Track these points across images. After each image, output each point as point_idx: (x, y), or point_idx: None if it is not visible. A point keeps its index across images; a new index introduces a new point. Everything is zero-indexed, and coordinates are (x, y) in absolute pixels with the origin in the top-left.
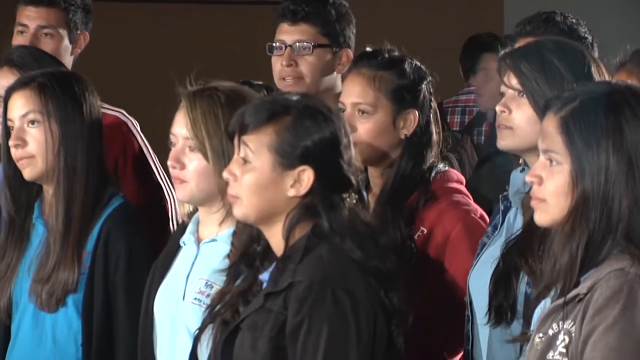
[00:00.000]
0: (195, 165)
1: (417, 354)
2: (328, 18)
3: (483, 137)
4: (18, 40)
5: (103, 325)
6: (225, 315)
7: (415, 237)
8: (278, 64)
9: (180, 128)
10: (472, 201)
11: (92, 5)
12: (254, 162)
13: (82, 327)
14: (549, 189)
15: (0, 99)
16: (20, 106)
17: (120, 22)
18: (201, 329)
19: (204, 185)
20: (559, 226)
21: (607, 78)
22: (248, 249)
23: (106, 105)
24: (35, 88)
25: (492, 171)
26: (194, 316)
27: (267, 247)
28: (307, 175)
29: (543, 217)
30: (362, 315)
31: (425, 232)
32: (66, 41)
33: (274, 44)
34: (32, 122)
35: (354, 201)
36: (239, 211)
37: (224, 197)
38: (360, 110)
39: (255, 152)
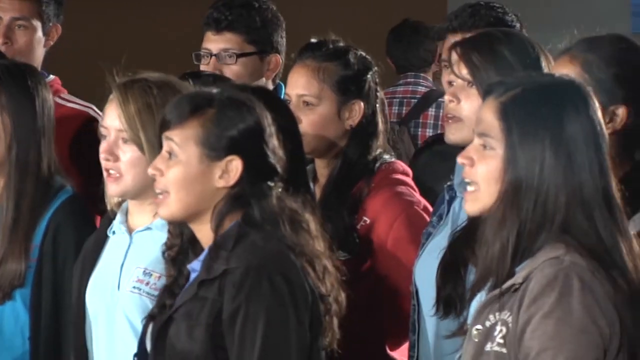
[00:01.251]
0: (129, 157)
1: (357, 342)
2: (253, 25)
3: (420, 130)
4: None
5: (51, 318)
6: (153, 310)
7: (358, 227)
8: None
9: (113, 120)
10: (416, 193)
11: None
12: (181, 156)
13: (30, 320)
14: (479, 172)
15: None
16: None
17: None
18: (148, 320)
19: (139, 177)
20: (489, 213)
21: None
22: (174, 246)
23: (78, 101)
24: None
25: (430, 160)
26: (134, 305)
27: (193, 240)
28: (235, 165)
29: (473, 206)
30: (299, 300)
31: (368, 222)
32: (39, 33)
33: (201, 53)
34: None
35: (280, 189)
36: (165, 211)
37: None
38: (305, 102)
39: (182, 146)
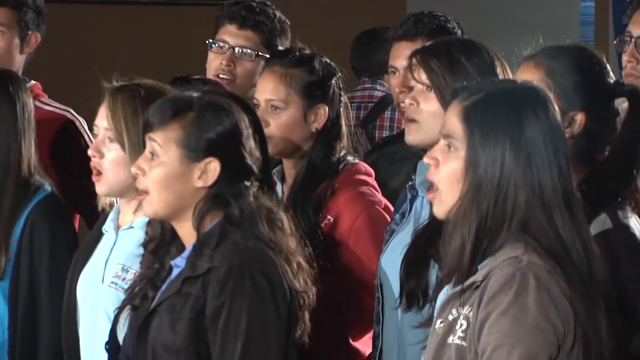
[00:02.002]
0: (113, 156)
1: (323, 334)
2: (273, 31)
3: (376, 132)
4: None
5: (27, 309)
6: (135, 301)
7: (323, 224)
8: (217, 61)
9: (102, 120)
10: (378, 193)
11: (44, 8)
12: (162, 157)
13: (8, 311)
14: (442, 172)
15: None
16: None
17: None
18: (119, 311)
19: (121, 175)
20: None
21: (510, 76)
22: (158, 237)
23: (56, 104)
24: None
25: (379, 161)
26: (110, 299)
27: (174, 236)
28: (213, 166)
29: (439, 209)
30: (279, 296)
31: (331, 220)
32: (16, 40)
33: (217, 43)
34: None
35: (256, 188)
36: (148, 209)
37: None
38: (273, 106)
39: (163, 147)
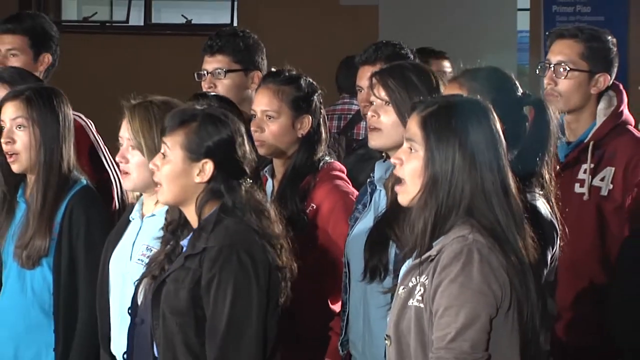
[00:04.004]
0: (136, 160)
1: (307, 299)
2: (237, 48)
3: (354, 137)
4: None
5: (68, 279)
6: (154, 271)
7: (308, 211)
8: (205, 87)
9: (124, 132)
10: (350, 185)
11: (54, 34)
12: (170, 157)
13: (52, 280)
14: (406, 169)
15: None
16: (11, 112)
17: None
18: (139, 281)
19: (143, 175)
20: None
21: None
22: (170, 222)
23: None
24: (24, 100)
25: (354, 161)
26: (138, 273)
27: (186, 220)
28: (208, 166)
29: (404, 198)
30: (260, 271)
31: (314, 207)
32: (31, 62)
33: (201, 72)
34: (20, 126)
35: (248, 185)
36: (161, 197)
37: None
38: (268, 116)
39: (171, 149)
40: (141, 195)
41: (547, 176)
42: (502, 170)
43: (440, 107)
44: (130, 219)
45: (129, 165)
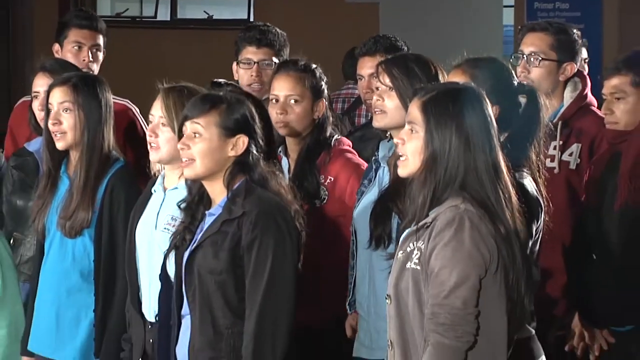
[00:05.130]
0: (166, 136)
1: (326, 259)
2: (279, 45)
3: (356, 119)
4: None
5: (108, 248)
6: (177, 242)
7: (326, 183)
8: (247, 75)
9: (157, 110)
10: (358, 157)
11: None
12: (205, 135)
13: (94, 248)
14: (408, 148)
15: (37, 94)
16: (59, 97)
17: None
18: (168, 251)
19: (170, 149)
20: (415, 177)
21: (446, 79)
22: (194, 195)
23: (117, 98)
24: (70, 86)
25: (353, 141)
26: (164, 240)
27: (203, 196)
28: (242, 141)
29: (403, 171)
30: (293, 234)
31: (332, 180)
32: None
33: (243, 61)
34: (66, 109)
35: (261, 158)
36: (191, 172)
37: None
38: (293, 100)
39: (206, 128)
40: (163, 169)
41: (534, 158)
42: (494, 151)
43: (439, 93)
44: (153, 191)
45: (159, 139)
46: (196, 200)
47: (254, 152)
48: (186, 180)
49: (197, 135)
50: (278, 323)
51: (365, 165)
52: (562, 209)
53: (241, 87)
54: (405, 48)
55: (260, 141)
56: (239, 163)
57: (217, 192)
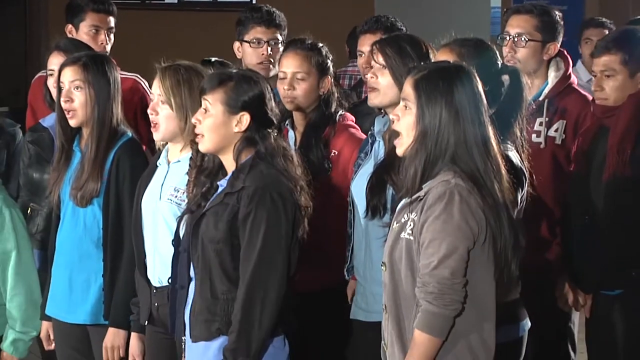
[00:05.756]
0: (165, 113)
1: (331, 226)
2: (284, 25)
3: (363, 95)
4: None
5: (115, 216)
6: (192, 206)
7: (331, 156)
8: (257, 53)
9: (156, 89)
10: (360, 132)
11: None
12: (212, 111)
13: (102, 216)
14: (402, 123)
15: (52, 72)
16: (70, 75)
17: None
18: (181, 217)
19: (170, 126)
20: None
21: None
22: (205, 167)
23: (125, 73)
24: (81, 65)
25: (355, 114)
26: (168, 209)
27: (220, 165)
28: (245, 118)
29: (401, 149)
30: (288, 208)
31: (336, 153)
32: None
33: (253, 40)
34: (77, 87)
35: (275, 133)
36: (203, 146)
37: (182, 133)
38: (299, 77)
39: (213, 105)
40: (166, 143)
41: (518, 132)
42: (483, 125)
43: (431, 72)
44: (158, 164)
45: (159, 117)
46: (215, 169)
47: (263, 128)
48: (193, 152)
49: (206, 111)
50: (267, 293)
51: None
52: (548, 181)
53: (245, 65)
54: (404, 29)
55: (271, 117)
56: (246, 139)
57: (229, 165)
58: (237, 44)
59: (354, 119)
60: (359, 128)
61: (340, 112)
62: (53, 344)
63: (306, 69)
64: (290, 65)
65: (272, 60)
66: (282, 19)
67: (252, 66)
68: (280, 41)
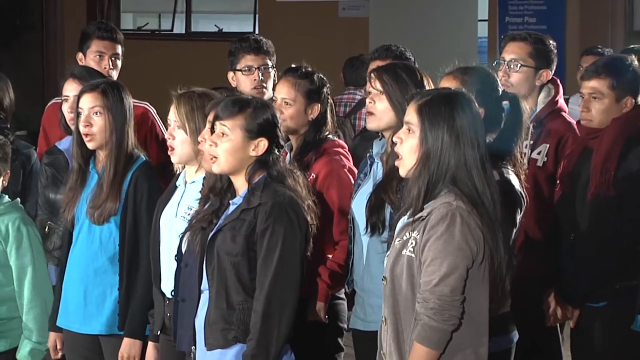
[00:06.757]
0: (180, 138)
1: (319, 250)
2: (272, 51)
3: (357, 121)
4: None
5: (132, 233)
6: (203, 224)
7: (310, 179)
8: (250, 80)
9: (172, 115)
10: (347, 160)
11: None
12: (231, 136)
13: (119, 234)
14: (405, 146)
15: (67, 98)
16: (90, 102)
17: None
18: (184, 234)
19: (185, 149)
20: (411, 172)
21: (432, 86)
22: (214, 187)
23: (136, 101)
24: (100, 92)
25: (360, 141)
26: (182, 226)
27: (229, 186)
28: (263, 143)
29: (402, 170)
30: (302, 225)
31: (314, 177)
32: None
33: (244, 68)
34: (96, 113)
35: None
36: (217, 168)
37: (197, 156)
38: (286, 102)
39: (232, 130)
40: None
41: (519, 157)
42: (481, 148)
43: (433, 98)
44: (177, 185)
45: (175, 141)
46: (224, 190)
47: (275, 152)
48: (207, 173)
49: (224, 135)
50: (284, 304)
51: (348, 167)
52: (528, 201)
53: (240, 92)
54: (412, 58)
55: (282, 142)
56: (259, 161)
57: (240, 185)
58: (230, 74)
59: (344, 146)
60: (346, 155)
61: (329, 137)
62: (59, 354)
63: (292, 95)
64: (279, 91)
65: (265, 85)
66: (269, 46)
67: (247, 92)
68: (270, 66)
